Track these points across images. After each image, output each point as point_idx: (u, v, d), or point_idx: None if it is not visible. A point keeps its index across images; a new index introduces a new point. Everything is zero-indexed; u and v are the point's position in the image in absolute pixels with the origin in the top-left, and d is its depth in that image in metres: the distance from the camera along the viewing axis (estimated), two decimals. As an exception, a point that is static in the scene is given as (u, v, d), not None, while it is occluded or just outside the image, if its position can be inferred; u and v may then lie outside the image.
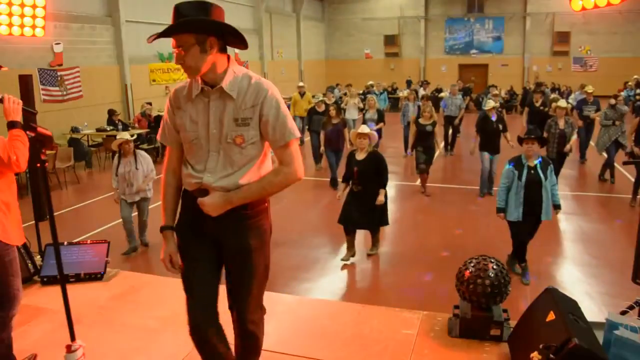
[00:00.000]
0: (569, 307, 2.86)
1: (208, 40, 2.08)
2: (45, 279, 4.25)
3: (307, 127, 11.93)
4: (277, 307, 3.88)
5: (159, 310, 3.82)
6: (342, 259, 6.10)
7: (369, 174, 5.79)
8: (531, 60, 26.65)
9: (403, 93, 16.28)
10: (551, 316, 2.79)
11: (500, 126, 8.53)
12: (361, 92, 19.58)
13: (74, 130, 12.89)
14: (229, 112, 2.17)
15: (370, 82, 19.28)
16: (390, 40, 28.61)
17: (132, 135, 6.70)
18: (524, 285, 5.36)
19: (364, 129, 5.97)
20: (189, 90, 2.25)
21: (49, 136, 2.73)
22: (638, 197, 8.05)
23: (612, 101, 9.49)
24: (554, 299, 2.89)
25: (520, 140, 5.39)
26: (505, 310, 3.36)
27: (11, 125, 2.76)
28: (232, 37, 2.17)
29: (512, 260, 5.66)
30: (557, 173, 7.76)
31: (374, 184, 5.83)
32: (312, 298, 4.86)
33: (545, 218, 5.31)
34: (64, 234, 6.68)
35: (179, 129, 2.29)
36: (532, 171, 5.26)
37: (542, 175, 5.23)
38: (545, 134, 8.28)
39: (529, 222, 5.35)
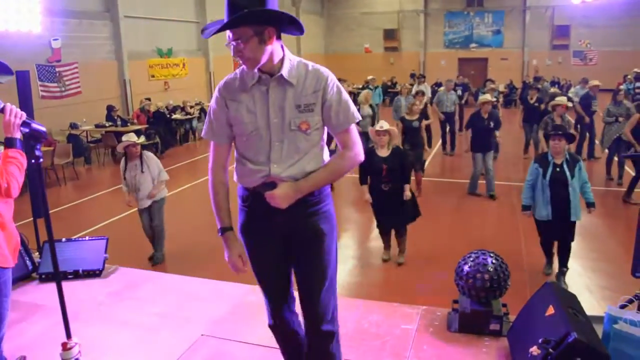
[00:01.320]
0: (568, 301, 2.85)
1: (266, 31, 2.01)
2: (43, 276, 4.24)
3: None
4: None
5: (157, 306, 3.81)
6: (383, 259, 6.04)
7: (396, 170, 5.66)
8: (531, 54, 26.60)
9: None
10: (550, 310, 2.78)
11: (492, 123, 8.25)
12: (361, 86, 19.54)
13: (73, 126, 12.88)
14: (290, 99, 2.12)
15: (371, 77, 19.23)
16: (390, 35, 28.55)
17: (138, 136, 6.25)
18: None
19: (384, 125, 5.76)
20: (242, 80, 2.18)
21: (43, 132, 2.60)
22: (633, 194, 7.93)
23: (621, 97, 9.12)
24: (553, 293, 2.88)
25: (547, 137, 5.17)
26: (504, 305, 3.36)
27: (9, 143, 2.45)
28: (288, 24, 2.10)
29: (547, 264, 5.46)
30: None
31: (400, 180, 5.72)
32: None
33: (575, 218, 5.02)
34: (63, 230, 6.69)
35: (232, 122, 2.20)
36: (558, 169, 5.02)
37: (568, 173, 5.00)
38: (541, 132, 8.13)
39: (558, 221, 5.09)
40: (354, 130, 2.24)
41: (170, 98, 16.21)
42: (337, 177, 2.30)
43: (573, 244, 6.27)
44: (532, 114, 10.83)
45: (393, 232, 5.99)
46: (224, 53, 20.66)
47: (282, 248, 2.30)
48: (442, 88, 14.02)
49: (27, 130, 2.51)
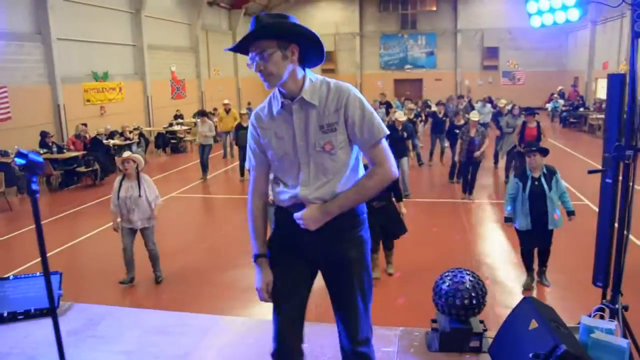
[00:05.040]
0: (549, 315, 2.90)
1: (290, 47, 2.05)
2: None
3: (234, 141, 13.01)
4: (240, 331, 3.73)
5: (122, 344, 3.58)
6: (374, 278, 6.01)
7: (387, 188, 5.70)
8: (463, 75, 27.72)
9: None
10: (534, 324, 2.82)
11: (405, 134, 9.73)
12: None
13: (3, 154, 12.11)
14: (313, 120, 2.12)
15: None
16: (326, 57, 28.72)
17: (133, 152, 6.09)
18: (544, 286, 5.62)
19: None
20: (269, 108, 2.23)
21: (41, 162, 2.37)
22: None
23: (516, 111, 10.92)
24: (535, 307, 2.93)
25: (523, 155, 5.45)
26: (481, 321, 3.38)
27: None
28: (311, 50, 2.13)
29: (528, 277, 5.68)
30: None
31: (389, 196, 5.76)
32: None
33: (552, 226, 5.31)
34: None
35: (265, 149, 2.25)
36: (537, 182, 5.27)
37: (546, 186, 5.25)
38: (459, 141, 9.44)
39: (538, 230, 5.35)
40: (383, 145, 2.16)
41: (107, 123, 15.64)
42: (366, 196, 2.19)
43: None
44: (438, 126, 12.57)
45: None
46: (161, 77, 20.25)
47: (306, 269, 2.30)
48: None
49: (24, 162, 2.22)
